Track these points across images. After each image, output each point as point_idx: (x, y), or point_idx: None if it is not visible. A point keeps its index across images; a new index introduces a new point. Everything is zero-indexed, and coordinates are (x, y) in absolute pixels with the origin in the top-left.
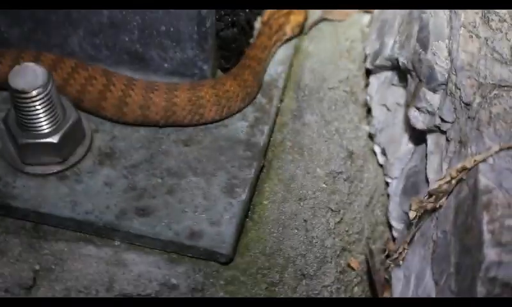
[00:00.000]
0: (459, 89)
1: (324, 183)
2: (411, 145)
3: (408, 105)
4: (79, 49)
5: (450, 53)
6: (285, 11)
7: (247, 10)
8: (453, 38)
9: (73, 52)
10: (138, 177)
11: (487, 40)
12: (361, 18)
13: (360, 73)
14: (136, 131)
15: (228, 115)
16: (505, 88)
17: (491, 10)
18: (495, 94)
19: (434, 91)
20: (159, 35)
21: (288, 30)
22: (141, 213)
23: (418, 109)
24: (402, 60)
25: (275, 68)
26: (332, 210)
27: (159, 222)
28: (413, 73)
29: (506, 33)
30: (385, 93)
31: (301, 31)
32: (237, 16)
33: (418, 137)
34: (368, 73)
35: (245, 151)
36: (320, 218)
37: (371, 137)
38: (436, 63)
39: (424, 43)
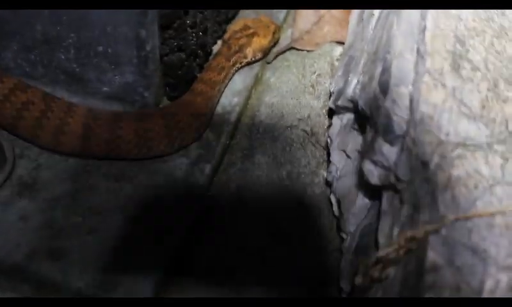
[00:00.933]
0: (417, 145)
1: (267, 234)
2: (367, 200)
3: (363, 157)
4: (14, 65)
5: (411, 102)
6: (249, 31)
7: (200, 33)
8: (416, 84)
9: (8, 67)
10: (57, 213)
11: (454, 90)
12: (332, 50)
13: (323, 112)
14: (64, 160)
15: (181, 147)
16: (471, 148)
17: (463, 56)
18: (458, 154)
19: (392, 143)
20: (96, 56)
21: (249, 53)
22: (54, 255)
23: (373, 162)
24: (361, 104)
25: (230, 98)
26: (273, 266)
27: (70, 268)
28: (371, 121)
29: (478, 84)
30: (346, 137)
31: (264, 55)
32: (185, 40)
33: (374, 191)
34: (332, 112)
35: (180, 192)
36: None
37: (328, 184)
38: (395, 113)
39: (384, 88)
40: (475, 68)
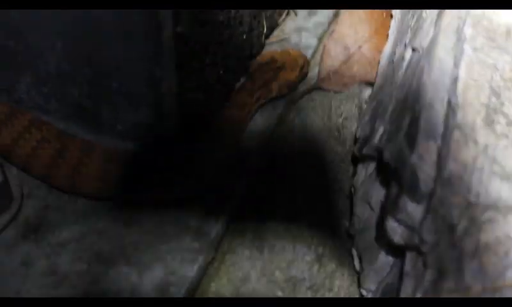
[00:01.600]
0: (444, 206)
1: (281, 290)
2: (390, 257)
3: (386, 212)
4: (27, 97)
5: (439, 158)
6: (276, 64)
7: (220, 72)
8: (445, 140)
9: (21, 100)
10: (62, 259)
11: (487, 148)
12: (361, 91)
13: (348, 159)
14: (73, 201)
15: None
16: (503, 210)
17: (498, 110)
18: (488, 217)
19: (417, 202)
20: (110, 93)
21: (274, 88)
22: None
23: (397, 220)
24: (386, 156)
25: (248, 141)
26: None
27: None
28: (396, 175)
29: None
30: (370, 187)
31: (290, 91)
32: (204, 79)
33: (398, 249)
34: (356, 160)
35: (192, 242)
36: None
37: (350, 236)
38: (422, 169)
39: (411, 141)
40: (510, 123)
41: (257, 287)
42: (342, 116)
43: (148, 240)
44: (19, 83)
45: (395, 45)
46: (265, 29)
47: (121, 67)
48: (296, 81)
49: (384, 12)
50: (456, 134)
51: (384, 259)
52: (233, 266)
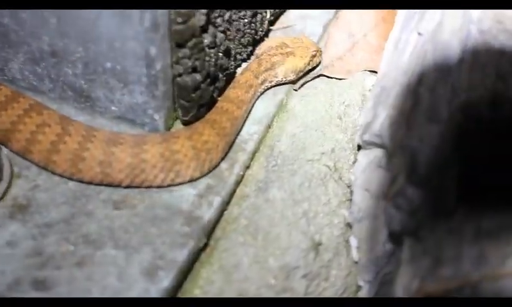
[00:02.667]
0: (442, 189)
1: (274, 277)
2: (389, 246)
3: (385, 199)
4: (21, 76)
5: (440, 142)
6: (286, 49)
7: (220, 54)
8: (447, 124)
9: (15, 79)
10: (48, 240)
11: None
12: (365, 79)
13: (349, 146)
14: (63, 182)
15: (210, 170)
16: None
17: (504, 96)
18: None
19: (417, 186)
20: (104, 72)
21: (281, 72)
22: (39, 286)
23: (396, 205)
24: (386, 140)
25: (248, 126)
26: None
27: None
28: (395, 159)
29: None
30: (371, 175)
31: (298, 78)
32: (202, 60)
33: (397, 237)
34: (359, 147)
35: (183, 226)
36: None
37: (349, 225)
38: (422, 152)
39: (412, 125)
40: None
41: (249, 274)
42: (345, 103)
43: (138, 223)
44: (12, 62)
45: (402, 31)
46: (268, 15)
47: (115, 45)
48: (304, 69)
49: None
50: (459, 116)
51: (383, 249)
52: (226, 252)
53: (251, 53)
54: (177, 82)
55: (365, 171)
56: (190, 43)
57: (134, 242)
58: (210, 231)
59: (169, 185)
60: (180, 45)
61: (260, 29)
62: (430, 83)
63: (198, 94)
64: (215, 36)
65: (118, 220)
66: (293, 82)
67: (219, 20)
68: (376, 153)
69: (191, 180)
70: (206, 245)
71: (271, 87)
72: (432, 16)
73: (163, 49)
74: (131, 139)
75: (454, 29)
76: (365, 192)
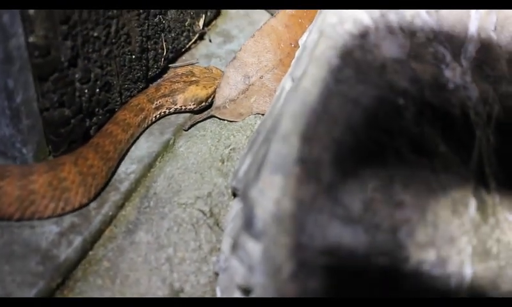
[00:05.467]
0: (275, 246)
1: None
2: None
3: (232, 251)
4: None
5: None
6: (191, 78)
7: (97, 89)
8: (290, 175)
9: None
10: None
11: (330, 187)
12: (256, 123)
13: (228, 192)
14: None
15: (96, 196)
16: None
17: (351, 148)
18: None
19: (256, 240)
20: None
21: (180, 99)
22: None
23: (239, 258)
24: (239, 190)
25: (127, 165)
26: None
27: None
28: (243, 211)
29: None
30: (237, 223)
31: (199, 108)
32: (69, 95)
33: (246, 292)
34: (234, 194)
35: (37, 265)
36: None
37: (217, 274)
38: (261, 205)
39: (257, 174)
40: None
41: None
42: (230, 146)
43: None
44: None
45: (288, 76)
46: (165, 51)
47: None
48: (205, 99)
49: (292, 42)
50: (297, 169)
51: None
52: (81, 295)
53: (144, 89)
54: (44, 117)
55: (234, 218)
56: (52, 77)
57: None
58: (67, 271)
59: (59, 215)
60: (42, 79)
61: (155, 66)
62: (282, 132)
63: (68, 129)
64: (88, 71)
65: None
66: (194, 112)
67: (94, 55)
68: None
69: (81, 207)
70: (63, 286)
71: (169, 114)
72: (303, 61)
73: (22, 82)
74: (17, 171)
75: (317, 78)
76: (232, 240)
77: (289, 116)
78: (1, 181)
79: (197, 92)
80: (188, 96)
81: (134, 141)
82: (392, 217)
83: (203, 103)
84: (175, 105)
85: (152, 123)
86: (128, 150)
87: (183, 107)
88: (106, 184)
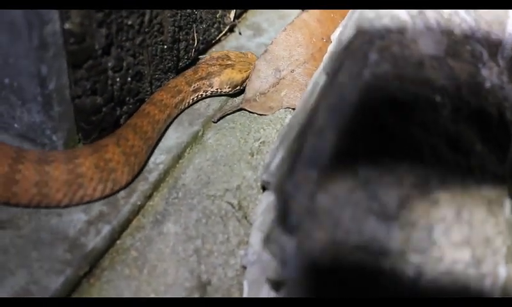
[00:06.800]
0: (310, 241)
1: None
2: (272, 293)
3: (264, 245)
4: None
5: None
6: (227, 61)
7: (128, 78)
8: (326, 170)
9: None
10: None
11: (367, 182)
12: (286, 117)
13: (257, 185)
14: None
15: (139, 173)
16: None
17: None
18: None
19: (289, 234)
20: (4, 88)
21: (216, 82)
22: None
23: (272, 253)
24: (272, 184)
25: (156, 155)
26: None
27: None
28: (275, 204)
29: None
30: (267, 217)
31: (234, 91)
32: (102, 83)
33: (277, 285)
34: (263, 187)
35: (65, 253)
36: None
37: (244, 268)
38: (295, 199)
39: (292, 169)
40: None
41: None
42: (260, 140)
43: (20, 245)
44: None
45: (321, 71)
46: (196, 42)
47: (9, 61)
48: (241, 82)
49: (324, 37)
50: (333, 164)
51: (267, 295)
52: (108, 284)
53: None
54: (75, 104)
55: (264, 212)
56: (86, 65)
57: (11, 264)
58: (95, 260)
59: (107, 196)
60: (76, 66)
61: (185, 57)
62: (317, 126)
63: (99, 117)
64: (121, 60)
65: (1, 240)
66: (229, 94)
67: (127, 44)
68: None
69: (127, 185)
70: (90, 274)
71: (206, 97)
72: (338, 56)
73: (56, 69)
74: (61, 156)
75: (353, 72)
76: (261, 234)
77: (325, 110)
78: (47, 166)
79: (232, 75)
80: (224, 79)
81: (171, 122)
82: (428, 215)
83: (238, 87)
84: (211, 87)
85: (189, 105)
86: (160, 139)
87: (219, 90)
88: (146, 162)
